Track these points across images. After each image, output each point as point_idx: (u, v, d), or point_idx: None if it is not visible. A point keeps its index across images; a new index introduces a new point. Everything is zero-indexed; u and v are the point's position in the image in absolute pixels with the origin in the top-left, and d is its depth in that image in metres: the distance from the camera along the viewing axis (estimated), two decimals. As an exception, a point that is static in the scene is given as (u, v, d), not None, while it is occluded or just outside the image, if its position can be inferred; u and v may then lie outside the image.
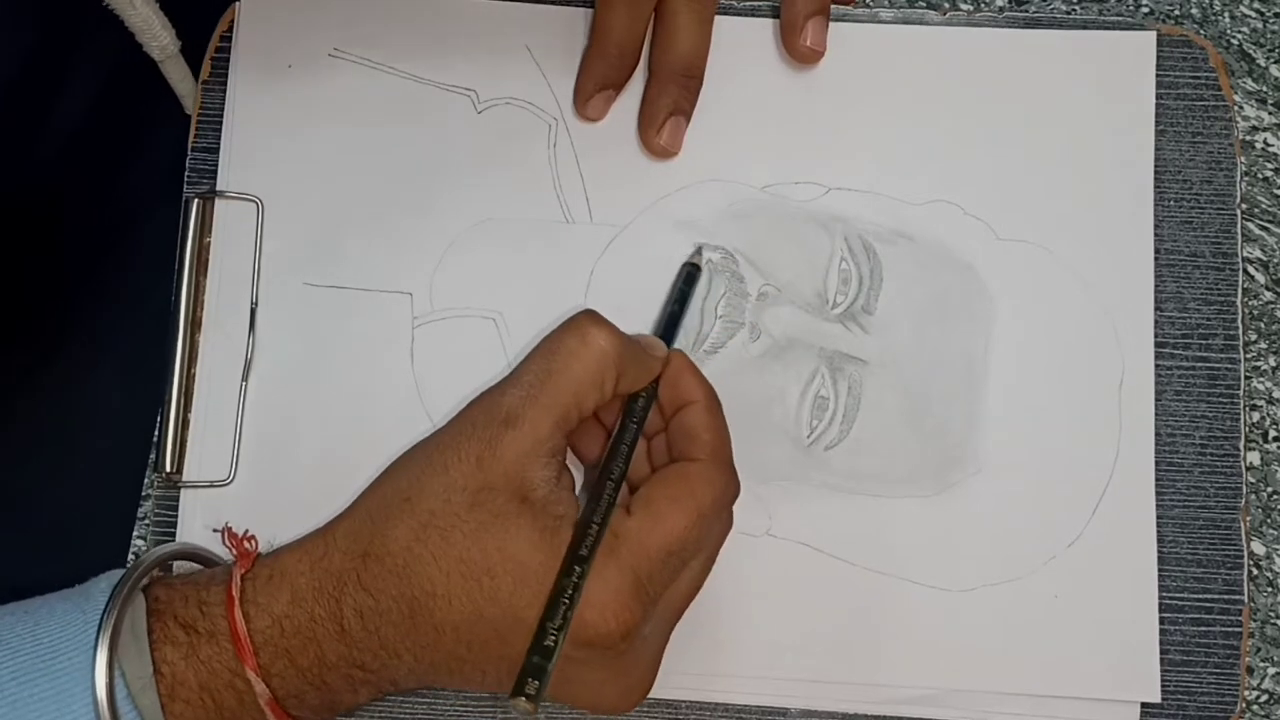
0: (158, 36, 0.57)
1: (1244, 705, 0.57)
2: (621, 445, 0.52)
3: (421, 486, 0.50)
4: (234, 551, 0.54)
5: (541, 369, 0.51)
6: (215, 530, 0.57)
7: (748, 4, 0.63)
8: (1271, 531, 0.59)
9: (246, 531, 0.56)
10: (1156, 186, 0.60)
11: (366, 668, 0.50)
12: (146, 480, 0.60)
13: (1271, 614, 0.58)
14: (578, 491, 0.54)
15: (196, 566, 0.55)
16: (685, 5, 0.59)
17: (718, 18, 0.62)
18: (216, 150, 0.62)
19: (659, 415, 0.54)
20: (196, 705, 0.49)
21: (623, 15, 0.59)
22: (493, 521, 0.48)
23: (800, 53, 0.61)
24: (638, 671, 0.51)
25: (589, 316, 0.52)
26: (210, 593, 0.50)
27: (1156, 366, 0.59)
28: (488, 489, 0.49)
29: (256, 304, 0.60)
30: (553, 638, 0.47)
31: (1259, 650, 0.58)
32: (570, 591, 0.47)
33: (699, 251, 0.59)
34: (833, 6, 0.62)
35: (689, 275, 0.58)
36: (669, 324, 0.57)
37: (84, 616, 0.48)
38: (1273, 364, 0.61)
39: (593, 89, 0.60)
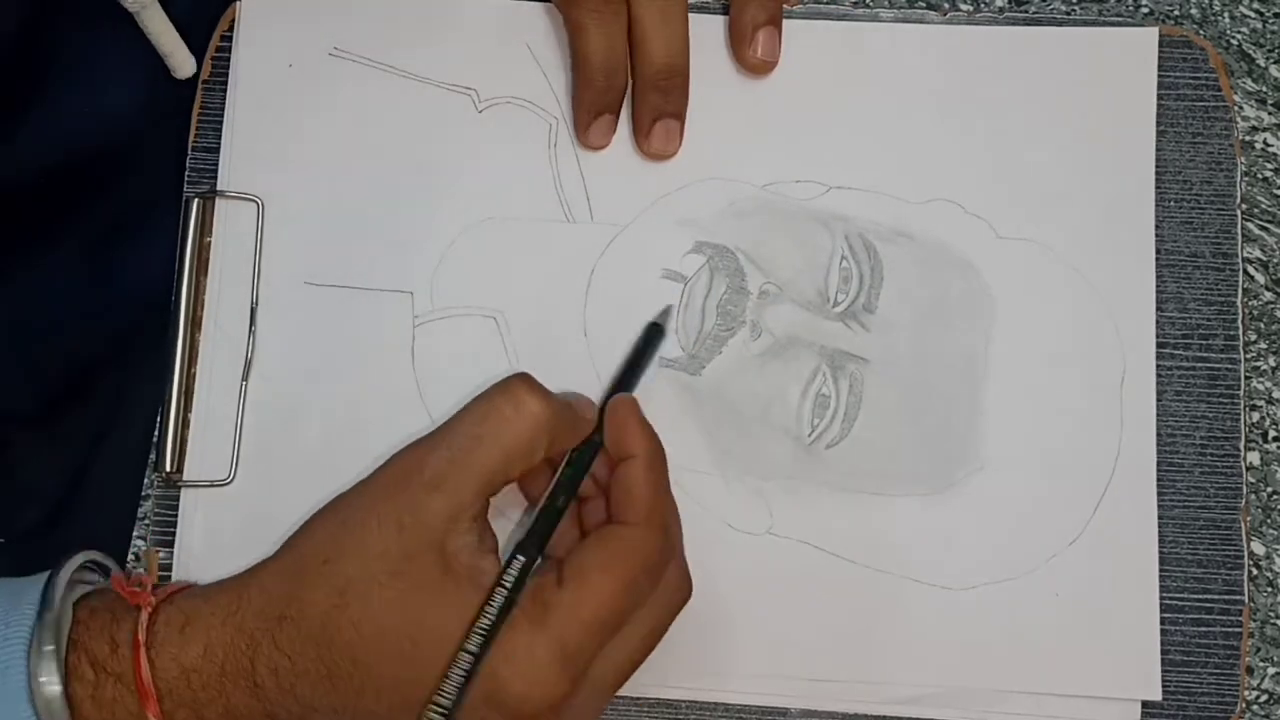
0: None
1: (1244, 705, 0.57)
2: (551, 504, 0.51)
3: (340, 549, 0.49)
4: (129, 597, 0.51)
5: (470, 434, 0.49)
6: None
7: (748, 4, 0.63)
8: (1271, 531, 0.59)
9: (139, 575, 0.53)
10: (1156, 186, 0.61)
11: (280, 718, 0.49)
12: (146, 480, 0.60)
13: (1271, 614, 0.58)
14: (503, 544, 0.52)
15: None
16: (649, 9, 0.59)
17: (718, 17, 0.62)
18: (216, 150, 0.62)
19: (607, 466, 0.53)
20: None
21: (597, 39, 0.59)
22: (414, 591, 0.48)
23: (751, 64, 0.60)
24: None
25: (523, 381, 0.50)
26: (122, 630, 0.49)
27: (1157, 366, 0.59)
28: (408, 557, 0.48)
29: (256, 304, 0.60)
30: (443, 714, 0.46)
31: (1259, 650, 0.58)
32: (466, 668, 0.47)
33: (666, 312, 0.59)
34: (833, 6, 0.62)
35: (650, 335, 0.58)
36: (624, 376, 0.56)
37: (5, 630, 0.47)
38: (1273, 364, 0.61)
39: (589, 118, 0.60)
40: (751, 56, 0.60)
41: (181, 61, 0.59)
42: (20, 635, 0.47)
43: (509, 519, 0.55)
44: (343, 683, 0.48)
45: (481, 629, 0.47)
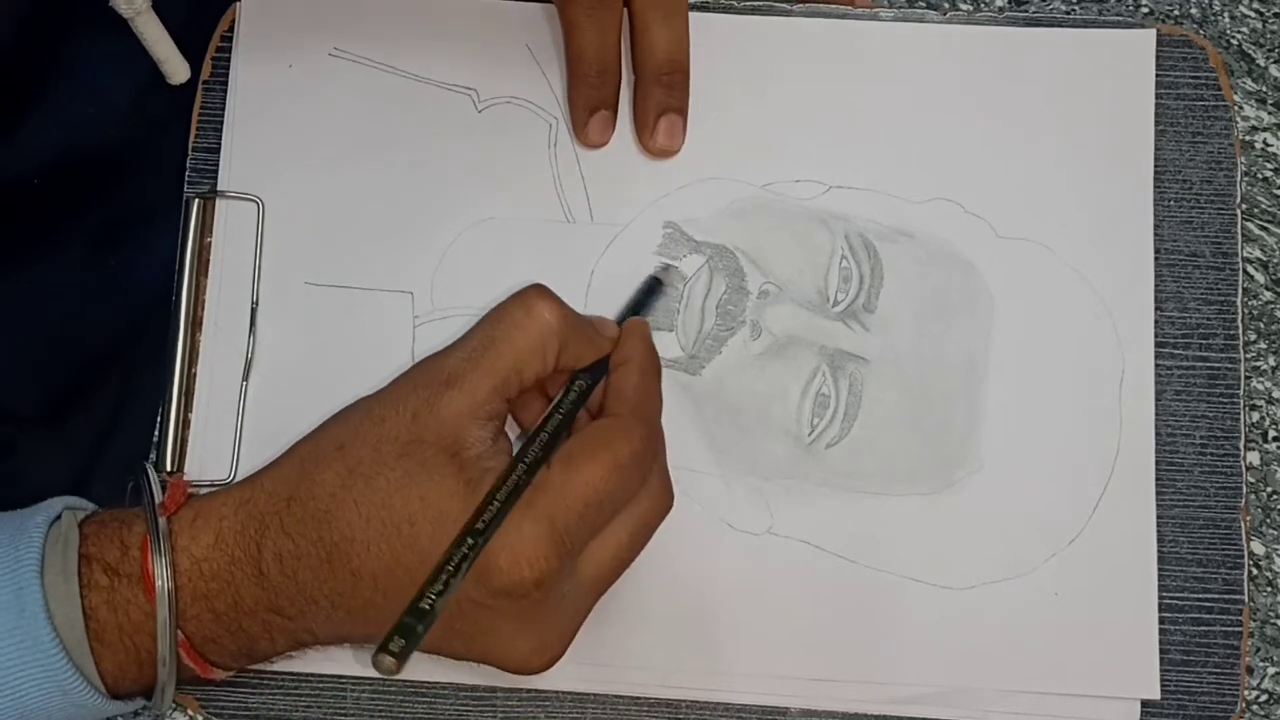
0: None
1: (1244, 705, 0.57)
2: (555, 413, 0.52)
3: (355, 436, 0.50)
4: (162, 495, 0.52)
5: (485, 336, 0.51)
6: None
7: (748, 4, 0.63)
8: (1271, 531, 0.59)
9: (183, 476, 0.55)
10: (1156, 186, 0.61)
11: (283, 613, 0.50)
12: (147, 480, 0.60)
13: (1271, 614, 0.58)
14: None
15: None
16: (651, 4, 0.59)
17: (718, 16, 0.62)
18: (217, 150, 0.62)
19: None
20: (118, 649, 0.49)
21: (591, 33, 0.59)
22: (418, 470, 0.49)
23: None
24: (552, 629, 0.51)
25: (536, 290, 0.52)
26: (132, 532, 0.50)
27: (1156, 366, 0.59)
28: (418, 441, 0.49)
29: (257, 304, 0.60)
30: (430, 601, 0.46)
31: (1259, 650, 0.58)
32: (460, 558, 0.47)
33: (666, 268, 0.59)
34: (833, 6, 0.63)
35: (650, 286, 0.59)
36: (629, 310, 0.58)
37: (16, 553, 0.49)
38: (1273, 364, 0.61)
39: (586, 115, 0.60)
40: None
41: (175, 68, 0.59)
42: (31, 556, 0.48)
43: None
44: (340, 565, 0.49)
45: (481, 523, 0.48)
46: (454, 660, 0.52)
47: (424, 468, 0.49)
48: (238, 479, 0.58)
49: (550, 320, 0.51)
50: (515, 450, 0.51)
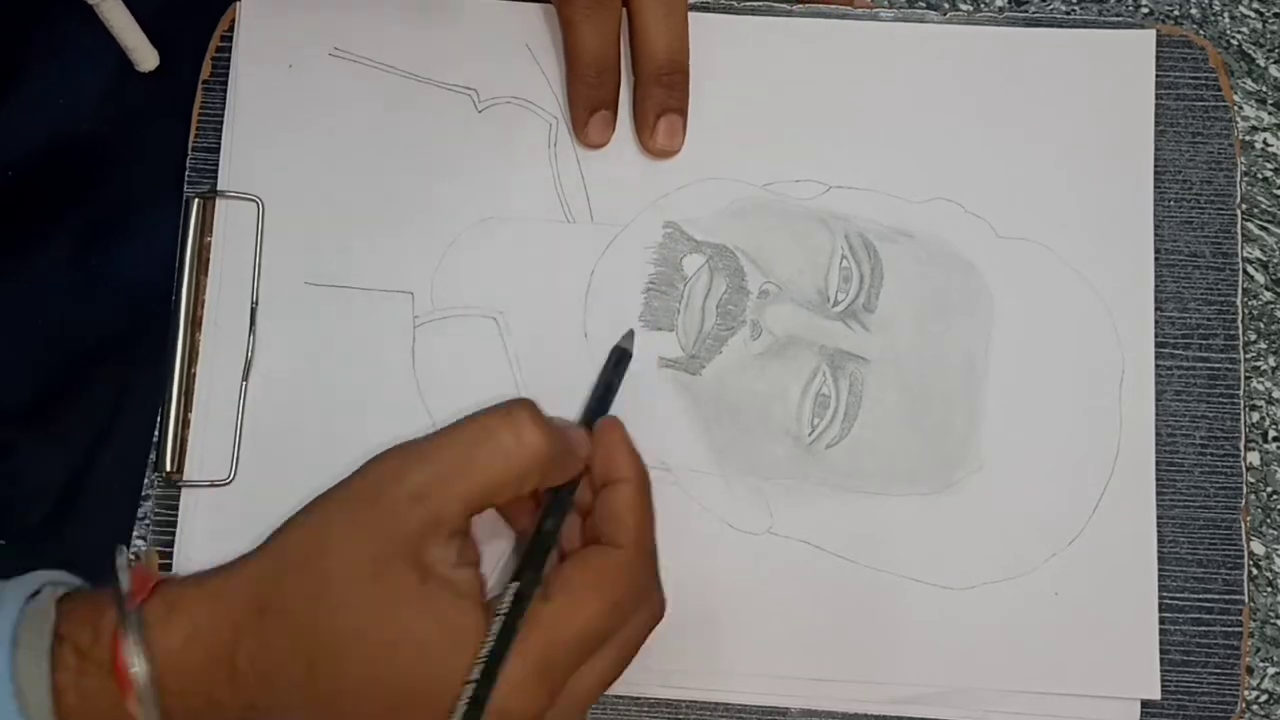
0: None
1: (1244, 705, 0.57)
2: (538, 536, 0.51)
3: (322, 548, 0.48)
4: (130, 584, 0.50)
5: (464, 455, 0.48)
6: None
7: (747, 4, 0.63)
8: (1271, 531, 0.59)
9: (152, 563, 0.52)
10: (1156, 186, 0.61)
11: (259, 708, 0.48)
12: (146, 480, 0.60)
13: (1271, 614, 0.58)
14: (490, 566, 0.53)
15: None
16: (652, 3, 0.59)
17: (718, 16, 0.62)
18: (217, 150, 0.62)
19: (588, 488, 0.53)
20: None
21: (589, 33, 0.59)
22: (390, 598, 0.47)
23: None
24: None
25: (527, 411, 0.49)
26: (105, 618, 0.48)
27: (1156, 366, 0.59)
28: (387, 561, 0.47)
29: (256, 304, 0.60)
30: None
31: (1259, 650, 0.58)
32: (470, 696, 0.46)
33: (630, 335, 0.59)
34: (833, 6, 0.63)
35: (618, 360, 0.58)
36: (598, 406, 0.56)
37: None
38: (1273, 364, 0.61)
39: (585, 114, 0.60)
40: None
41: (144, 56, 0.59)
42: (4, 630, 0.47)
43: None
44: (323, 680, 0.47)
45: (482, 659, 0.47)
46: None
47: (397, 595, 0.47)
48: (236, 480, 0.58)
49: (537, 450, 0.48)
50: (499, 567, 0.50)
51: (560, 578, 0.49)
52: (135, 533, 0.59)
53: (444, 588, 0.48)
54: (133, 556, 0.58)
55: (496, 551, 0.55)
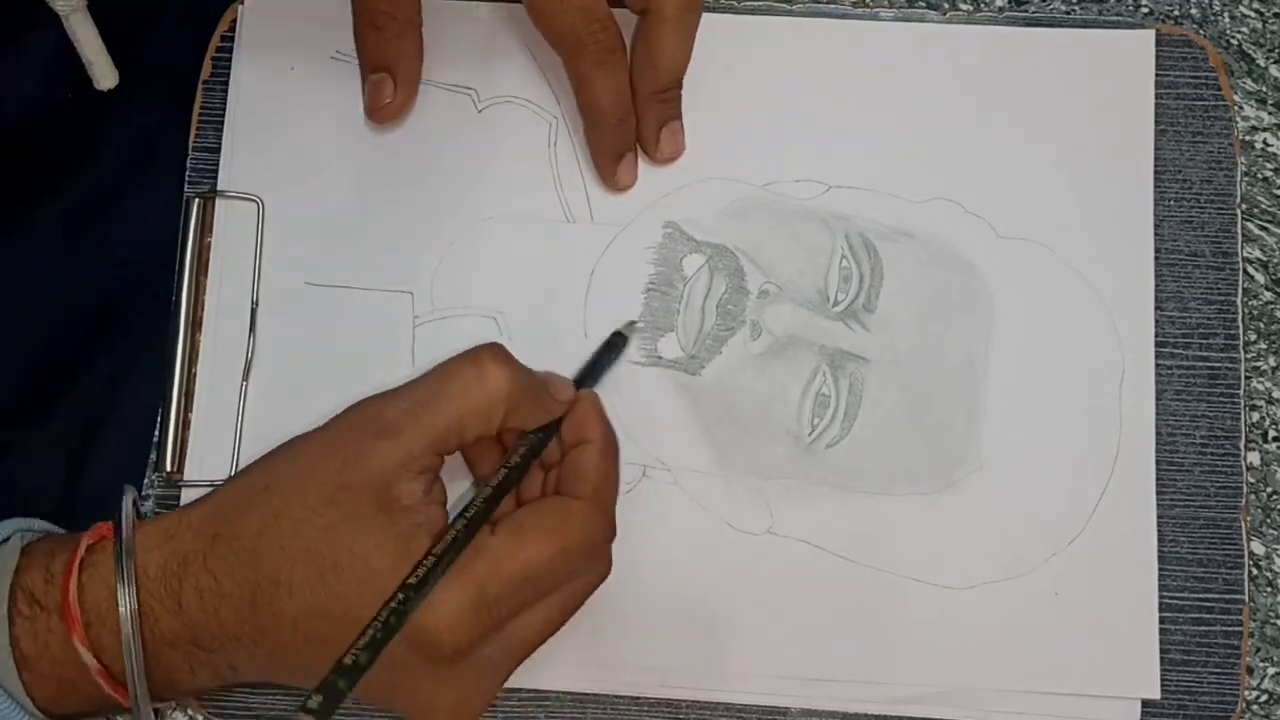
0: None
1: (1244, 705, 0.57)
2: (501, 472, 0.51)
3: (283, 478, 0.49)
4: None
5: (430, 390, 0.50)
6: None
7: (747, 4, 0.63)
8: (1271, 531, 0.59)
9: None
10: (1156, 186, 0.61)
11: (203, 646, 0.49)
12: (147, 480, 0.60)
13: (1271, 614, 0.58)
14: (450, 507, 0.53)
15: None
16: (669, 29, 0.58)
17: (718, 16, 0.62)
18: (217, 150, 0.62)
19: (559, 449, 0.54)
20: (48, 680, 0.49)
21: (606, 84, 0.58)
22: (346, 519, 0.48)
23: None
24: (470, 692, 0.50)
25: (491, 351, 0.51)
26: (57, 561, 0.50)
27: (1157, 366, 0.59)
28: (347, 488, 0.48)
29: (256, 304, 0.60)
30: (354, 657, 0.45)
31: (1259, 650, 0.58)
32: (389, 615, 0.46)
33: (633, 325, 0.59)
34: (835, 5, 0.63)
35: (613, 343, 0.58)
36: (587, 371, 0.57)
37: None
38: (1273, 364, 0.61)
39: (613, 162, 0.60)
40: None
41: (103, 73, 0.58)
42: None
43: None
44: (263, 607, 0.48)
45: (414, 579, 0.47)
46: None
47: (352, 517, 0.48)
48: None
49: (500, 385, 0.50)
50: (456, 506, 0.50)
51: (511, 518, 0.50)
52: (135, 533, 0.59)
53: (402, 517, 0.48)
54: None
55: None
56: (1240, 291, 0.60)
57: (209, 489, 0.58)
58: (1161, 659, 0.57)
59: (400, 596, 0.47)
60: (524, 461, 0.52)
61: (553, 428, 0.53)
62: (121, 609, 0.48)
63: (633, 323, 0.59)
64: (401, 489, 0.49)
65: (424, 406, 0.49)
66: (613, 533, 0.53)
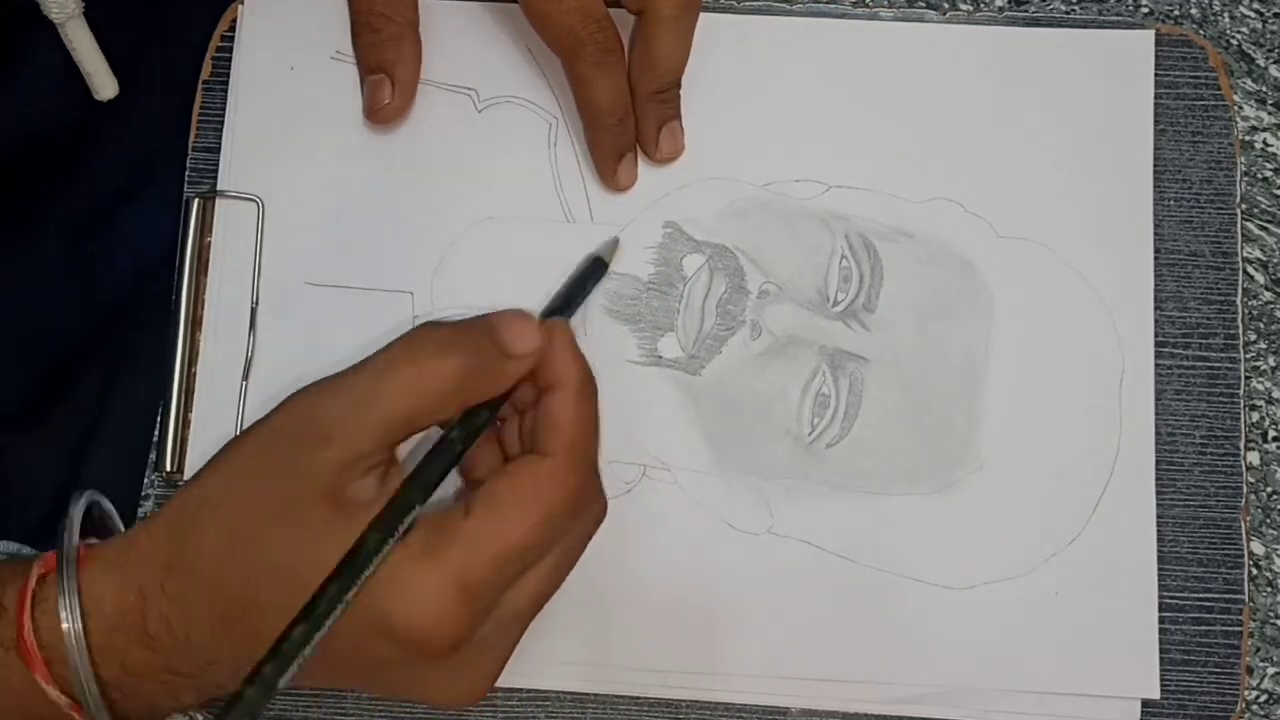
0: None
1: (1244, 705, 0.57)
2: (434, 456, 0.47)
3: (228, 494, 0.46)
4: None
5: (372, 390, 0.46)
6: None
7: (747, 4, 0.63)
8: (1271, 531, 0.59)
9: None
10: (1156, 186, 0.61)
11: (181, 672, 0.47)
12: (146, 480, 0.60)
13: (1271, 614, 0.58)
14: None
15: None
16: (667, 30, 0.58)
17: (717, 16, 0.62)
18: (217, 150, 0.62)
19: (532, 389, 0.50)
20: (10, 714, 0.46)
21: (605, 86, 0.58)
22: (299, 531, 0.45)
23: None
24: (475, 673, 0.48)
25: (430, 338, 0.47)
26: (7, 594, 0.46)
27: (1156, 366, 0.59)
28: (294, 500, 0.45)
29: (256, 304, 0.60)
30: (271, 666, 0.43)
31: (1259, 650, 0.58)
32: (307, 620, 0.43)
33: (614, 243, 0.58)
34: (835, 5, 0.63)
35: (591, 268, 0.57)
36: (560, 302, 0.55)
37: None
38: (1273, 364, 0.61)
39: (613, 162, 0.60)
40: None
41: (103, 83, 0.58)
42: None
43: None
44: (237, 627, 0.45)
45: (339, 575, 0.44)
46: None
47: (305, 527, 0.45)
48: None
49: (441, 378, 0.46)
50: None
51: (483, 493, 0.46)
52: (135, 533, 0.59)
53: (360, 514, 0.45)
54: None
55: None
56: (1240, 291, 0.60)
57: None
58: (1161, 659, 0.57)
59: (335, 587, 0.44)
60: (467, 434, 0.48)
61: (498, 402, 0.49)
62: (68, 640, 0.45)
63: (615, 240, 0.58)
64: (352, 490, 0.46)
65: (367, 406, 0.46)
66: (596, 483, 0.49)
